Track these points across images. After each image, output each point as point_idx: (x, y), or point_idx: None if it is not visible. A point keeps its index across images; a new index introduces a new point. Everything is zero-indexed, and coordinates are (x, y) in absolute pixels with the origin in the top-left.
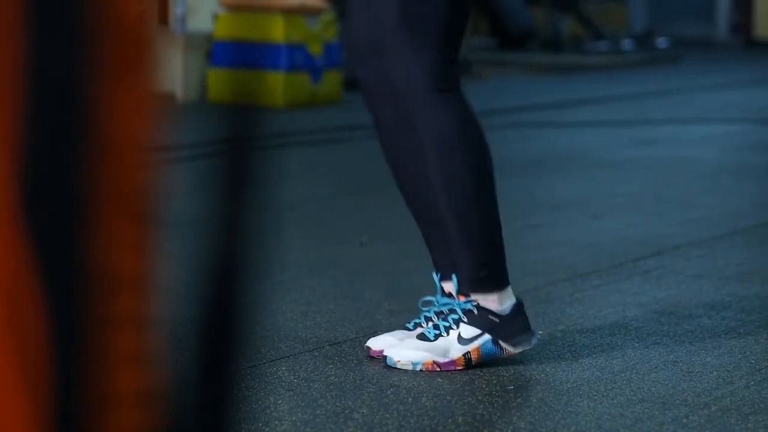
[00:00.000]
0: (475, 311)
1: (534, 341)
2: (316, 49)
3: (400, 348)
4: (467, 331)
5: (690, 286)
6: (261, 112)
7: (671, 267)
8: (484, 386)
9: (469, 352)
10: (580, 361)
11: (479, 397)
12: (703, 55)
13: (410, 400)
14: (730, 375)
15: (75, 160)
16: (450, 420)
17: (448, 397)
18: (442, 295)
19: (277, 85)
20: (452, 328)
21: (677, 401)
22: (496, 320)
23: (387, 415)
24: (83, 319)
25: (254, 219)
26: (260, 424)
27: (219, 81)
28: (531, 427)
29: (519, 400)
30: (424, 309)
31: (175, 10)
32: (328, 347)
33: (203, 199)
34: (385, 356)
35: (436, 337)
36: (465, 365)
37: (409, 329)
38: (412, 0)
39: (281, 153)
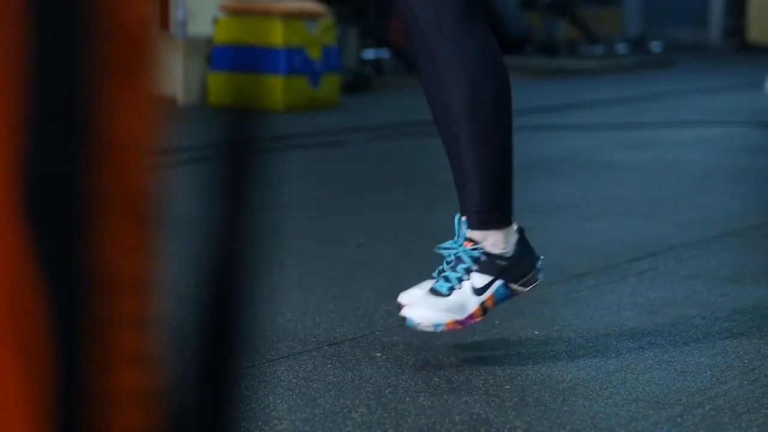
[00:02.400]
0: (483, 258)
1: (541, 276)
2: (315, 53)
3: (418, 309)
4: (479, 279)
5: (684, 286)
6: (260, 115)
7: (665, 268)
8: (480, 386)
9: (484, 301)
10: (575, 361)
11: (476, 397)
12: (696, 58)
13: (408, 399)
14: (724, 375)
15: (76, 162)
16: (447, 419)
17: (445, 397)
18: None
19: (276, 88)
20: (464, 279)
21: (671, 401)
22: (505, 263)
23: (385, 414)
24: (84, 319)
25: (254, 221)
26: (260, 423)
27: (219, 84)
28: (527, 426)
29: (515, 399)
30: (444, 253)
31: (176, 15)
32: (326, 347)
33: (203, 201)
34: (404, 317)
35: (450, 290)
36: (483, 314)
37: (435, 278)
38: None
39: (280, 156)
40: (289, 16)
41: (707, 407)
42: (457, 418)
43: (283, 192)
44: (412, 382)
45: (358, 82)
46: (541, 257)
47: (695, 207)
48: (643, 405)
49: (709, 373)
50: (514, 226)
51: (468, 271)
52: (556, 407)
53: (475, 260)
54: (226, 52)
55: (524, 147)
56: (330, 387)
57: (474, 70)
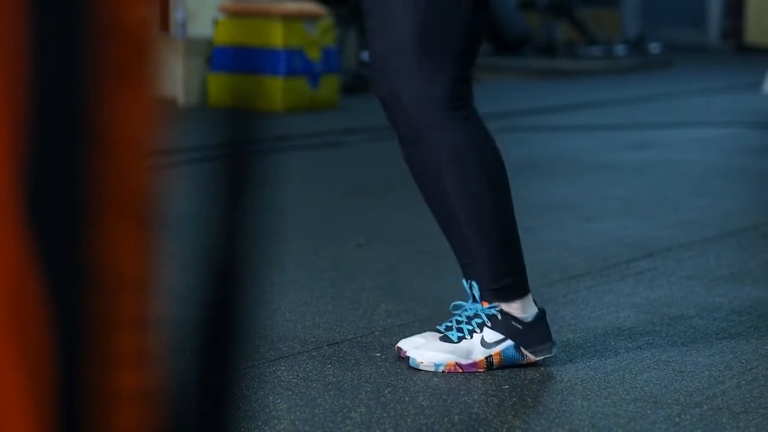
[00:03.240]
0: (499, 316)
1: (554, 351)
2: (314, 55)
3: (423, 349)
4: (490, 335)
5: (682, 287)
6: (260, 116)
7: (663, 268)
8: (479, 385)
9: (491, 355)
10: (574, 360)
11: (475, 397)
12: (694, 60)
13: (407, 399)
14: (722, 375)
15: (77, 162)
16: (446, 419)
17: (444, 397)
18: (474, 302)
19: (276, 89)
20: (476, 332)
21: (669, 400)
22: (519, 327)
23: (384, 414)
24: (85, 319)
25: (253, 221)
26: (259, 423)
27: (219, 86)
28: (526, 426)
29: (514, 399)
30: (455, 312)
31: (176, 16)
32: (326, 347)
33: (203, 201)
34: (408, 357)
35: (460, 339)
36: (487, 368)
37: (440, 332)
38: (429, 22)
39: (280, 157)
40: (289, 18)
41: (705, 407)
42: (456, 418)
43: (282, 193)
44: (411, 383)
45: (358, 83)
46: (556, 340)
47: (693, 207)
48: (641, 405)
49: (706, 373)
50: (531, 298)
51: (481, 326)
52: (555, 407)
53: (490, 317)
54: (226, 53)
55: (523, 148)
56: (329, 387)
57: (464, 153)
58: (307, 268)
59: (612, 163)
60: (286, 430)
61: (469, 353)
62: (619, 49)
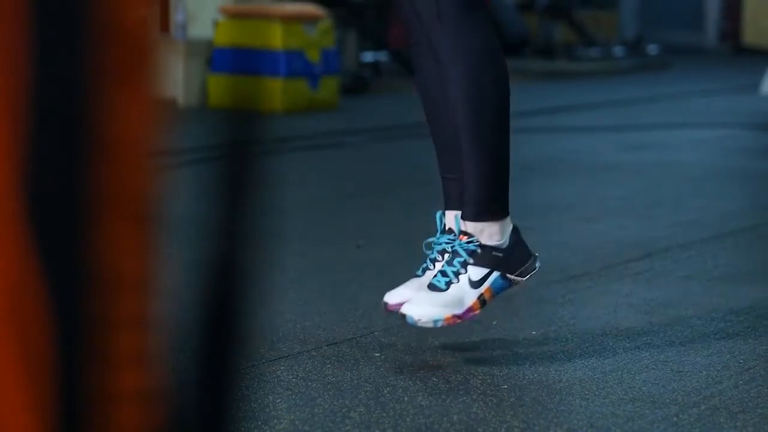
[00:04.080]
0: (479, 250)
1: (537, 265)
2: (313, 56)
3: (416, 305)
4: (476, 272)
5: (680, 287)
6: (260, 117)
7: (661, 269)
8: (478, 385)
9: (482, 294)
10: (572, 360)
11: (474, 396)
12: (692, 61)
13: (406, 399)
14: (719, 374)
15: (78, 163)
16: (445, 418)
17: (443, 396)
18: (442, 233)
19: (275, 91)
20: (461, 272)
21: (667, 400)
22: (500, 255)
23: (383, 414)
24: (86, 319)
25: (253, 222)
26: (259, 423)
27: (219, 87)
28: (524, 426)
29: (513, 398)
30: (428, 252)
31: (176, 18)
32: (325, 347)
33: (204, 202)
34: (404, 315)
35: (447, 285)
36: (481, 307)
37: (418, 276)
38: None
39: (280, 158)
40: (289, 19)
41: (703, 407)
42: (455, 417)
43: (282, 193)
44: (410, 382)
45: (357, 85)
46: (537, 255)
47: (691, 208)
48: (640, 404)
49: (704, 372)
50: (509, 218)
51: (464, 264)
52: (553, 407)
53: (471, 253)
54: (226, 55)
55: (522, 149)
56: (329, 387)
57: (476, 69)
58: (306, 269)
59: (610, 163)
60: (285, 430)
61: (461, 301)
62: (617, 50)
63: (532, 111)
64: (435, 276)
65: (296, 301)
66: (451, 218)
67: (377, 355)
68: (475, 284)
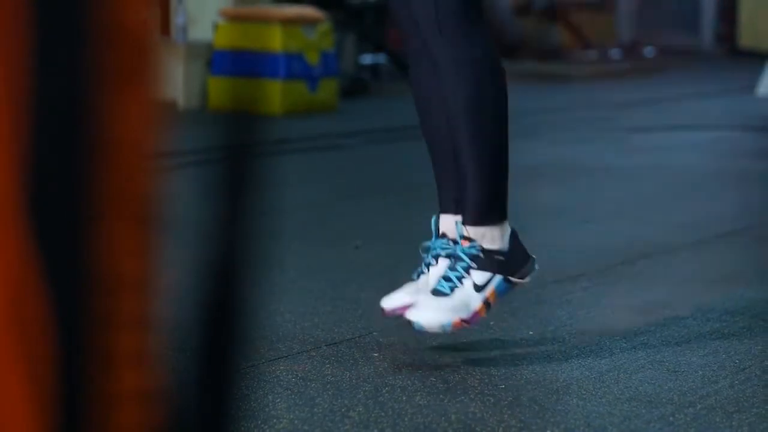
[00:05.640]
0: (481, 255)
1: (536, 266)
2: (313, 58)
3: (423, 310)
4: (480, 277)
5: (676, 288)
6: (259, 119)
7: (658, 270)
8: (476, 385)
9: (487, 297)
10: (569, 360)
11: (471, 396)
12: (688, 64)
13: (405, 398)
14: (715, 374)
15: (79, 164)
16: (443, 418)
17: (441, 396)
18: (437, 238)
19: (275, 93)
20: (464, 277)
21: (663, 400)
22: (502, 258)
23: (382, 414)
24: (86, 319)
25: (253, 223)
26: (259, 422)
27: (219, 89)
28: (522, 425)
29: (510, 398)
30: (423, 255)
31: (177, 20)
32: (325, 347)
33: (204, 203)
34: (411, 322)
35: (452, 290)
36: (487, 310)
37: (414, 280)
38: None
39: (279, 159)
40: (288, 22)
41: (699, 406)
42: (453, 417)
43: (281, 195)
44: (408, 382)
45: (356, 87)
46: (534, 258)
47: (687, 210)
48: (636, 404)
49: (700, 372)
50: (507, 222)
51: (467, 269)
52: (551, 406)
53: (473, 258)
54: (226, 57)
55: (519, 151)
56: (328, 386)
57: (476, 79)
58: (306, 269)
59: (607, 166)
60: (285, 430)
61: (467, 305)
62: (614, 53)
63: (528, 113)
64: (438, 281)
65: (295, 301)
66: (447, 223)
67: (376, 355)
68: (480, 288)
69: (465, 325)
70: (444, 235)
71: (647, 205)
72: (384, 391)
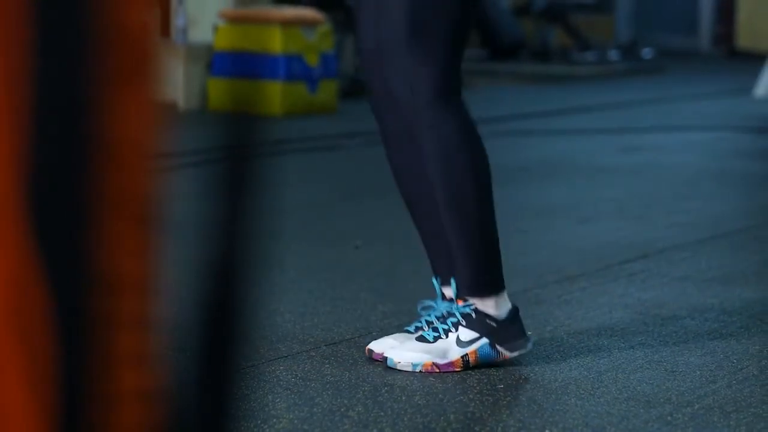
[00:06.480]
0: (474, 315)
1: (529, 346)
2: (312, 60)
3: (400, 350)
4: (466, 334)
5: (674, 288)
6: (259, 120)
7: (656, 270)
8: (475, 385)
9: (467, 354)
10: (567, 360)
11: (470, 396)
12: (686, 65)
13: (404, 398)
14: (713, 374)
15: (80, 164)
16: (442, 418)
17: (440, 396)
18: (443, 300)
19: (275, 94)
20: (451, 331)
21: (661, 399)
22: (494, 324)
23: (381, 413)
24: (87, 319)
25: (253, 223)
26: (259, 422)
27: (219, 90)
28: (520, 425)
29: (509, 398)
30: (423, 313)
31: (177, 22)
32: (324, 347)
33: (204, 203)
34: (386, 358)
35: (435, 339)
36: (463, 367)
37: (410, 332)
38: (422, 9)
39: (279, 160)
40: (288, 24)
41: (696, 406)
42: (452, 416)
43: (281, 195)
44: (407, 382)
45: (355, 88)
46: (532, 336)
47: (685, 210)
48: (634, 404)
49: (698, 372)
50: (506, 295)
51: (456, 324)
52: (549, 406)
53: (465, 316)
54: (226, 59)
55: (518, 152)
56: (328, 386)
57: (452, 150)
58: (305, 270)
59: (605, 166)
60: (284, 429)
61: (445, 353)
62: (612, 54)
63: (527, 114)
64: (426, 331)
65: (295, 301)
66: (449, 289)
67: None
68: (463, 344)
69: (435, 369)
70: (450, 300)
71: (645, 206)
72: (383, 390)
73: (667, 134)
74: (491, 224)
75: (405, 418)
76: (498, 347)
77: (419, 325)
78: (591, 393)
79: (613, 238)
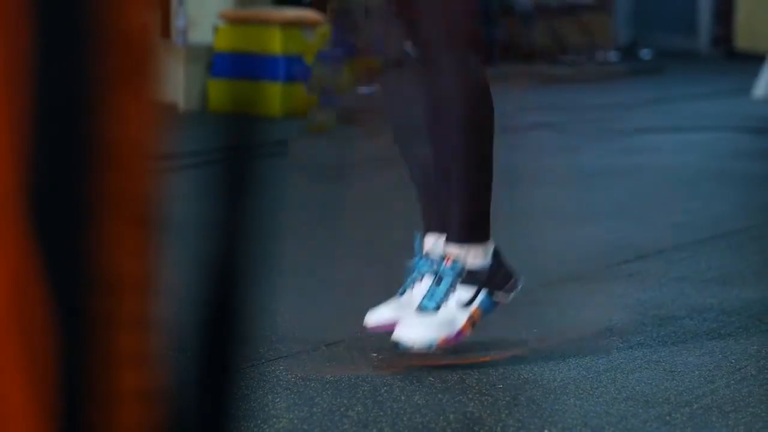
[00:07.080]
0: (465, 273)
1: (521, 282)
2: (312, 61)
3: (408, 329)
4: (465, 293)
5: (673, 288)
6: (259, 121)
7: (655, 270)
8: (474, 385)
9: (472, 314)
10: (566, 360)
11: (470, 396)
12: (685, 66)
13: (403, 398)
14: (711, 374)
15: (79, 165)
16: (441, 417)
17: (439, 395)
18: (422, 257)
19: (274, 95)
20: (450, 294)
21: (660, 399)
22: (485, 276)
23: (381, 413)
24: (87, 319)
25: (253, 223)
26: (258, 422)
27: (219, 91)
28: (519, 425)
29: (508, 398)
30: (407, 273)
31: (177, 23)
32: (324, 347)
33: (204, 204)
34: (396, 342)
35: (437, 307)
36: (471, 328)
37: (399, 296)
38: None
39: (279, 160)
40: (288, 25)
41: (695, 406)
42: (452, 416)
43: (281, 195)
44: (407, 382)
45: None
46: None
47: (684, 210)
48: (633, 404)
49: (697, 372)
50: (492, 241)
51: (452, 285)
52: (548, 406)
53: (458, 274)
54: (226, 60)
55: (517, 152)
56: (327, 386)
57: (472, 97)
58: (305, 270)
59: (604, 166)
60: (284, 429)
61: (452, 322)
62: (612, 55)
63: (527, 114)
64: (423, 299)
65: (295, 301)
66: (430, 242)
67: (374, 354)
68: (465, 304)
69: (450, 343)
70: (428, 255)
71: (644, 206)
72: (383, 390)
73: (665, 135)
74: (490, 169)
75: (404, 418)
76: (496, 295)
77: (405, 287)
78: (590, 393)
79: (611, 238)
